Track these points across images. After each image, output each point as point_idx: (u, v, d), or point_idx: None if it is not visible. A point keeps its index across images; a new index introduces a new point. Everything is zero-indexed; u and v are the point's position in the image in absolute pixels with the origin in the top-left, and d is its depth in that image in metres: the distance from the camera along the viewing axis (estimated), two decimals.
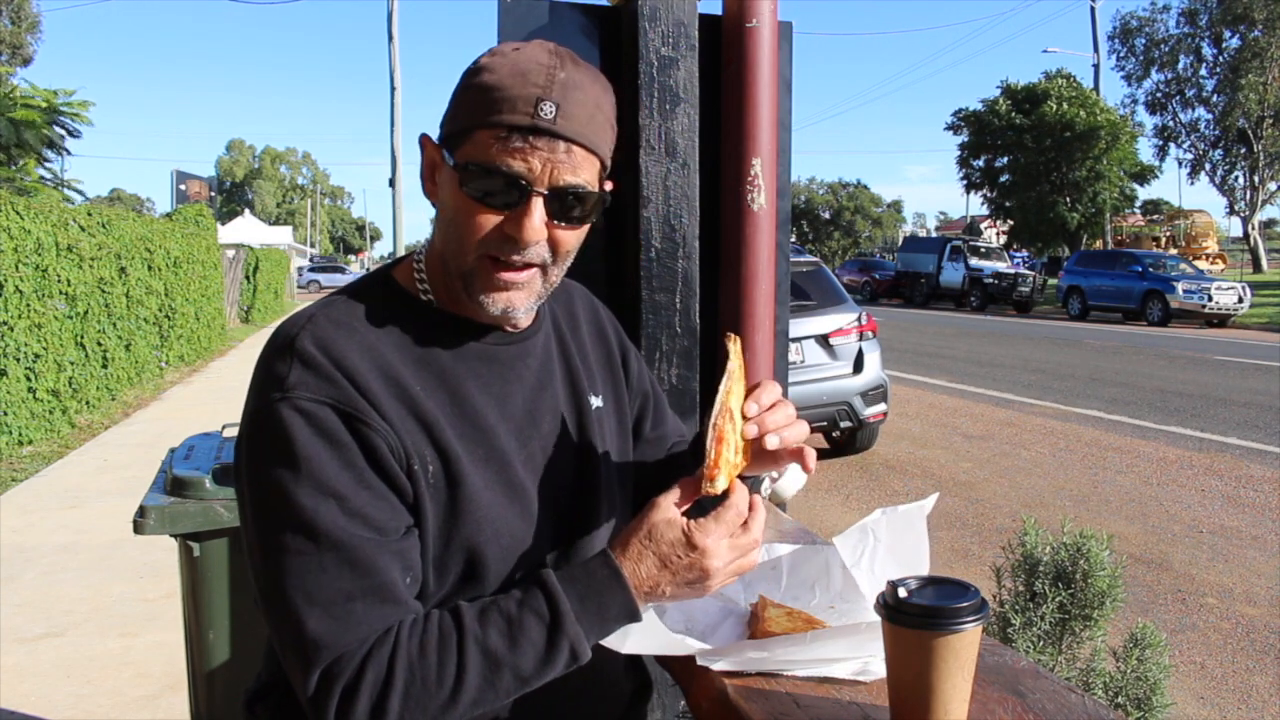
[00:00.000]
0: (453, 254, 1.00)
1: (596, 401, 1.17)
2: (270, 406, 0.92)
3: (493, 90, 0.94)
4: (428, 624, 0.91)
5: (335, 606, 0.88)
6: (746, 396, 1.01)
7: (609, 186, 1.08)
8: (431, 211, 1.07)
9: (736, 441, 0.98)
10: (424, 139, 1.03)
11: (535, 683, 0.93)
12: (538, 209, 0.95)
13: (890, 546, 1.07)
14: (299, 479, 0.89)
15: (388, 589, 0.91)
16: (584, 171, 0.97)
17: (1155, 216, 43.55)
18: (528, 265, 0.99)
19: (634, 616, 0.95)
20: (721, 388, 1.00)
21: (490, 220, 0.96)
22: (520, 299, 1.00)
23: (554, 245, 0.99)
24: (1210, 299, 19.09)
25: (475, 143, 0.95)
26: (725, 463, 0.97)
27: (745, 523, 0.97)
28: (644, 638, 0.99)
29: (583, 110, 0.96)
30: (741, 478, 1.00)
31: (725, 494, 0.96)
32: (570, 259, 1.04)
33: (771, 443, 1.00)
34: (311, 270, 47.48)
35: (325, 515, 0.89)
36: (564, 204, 0.97)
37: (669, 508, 0.96)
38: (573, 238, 1.01)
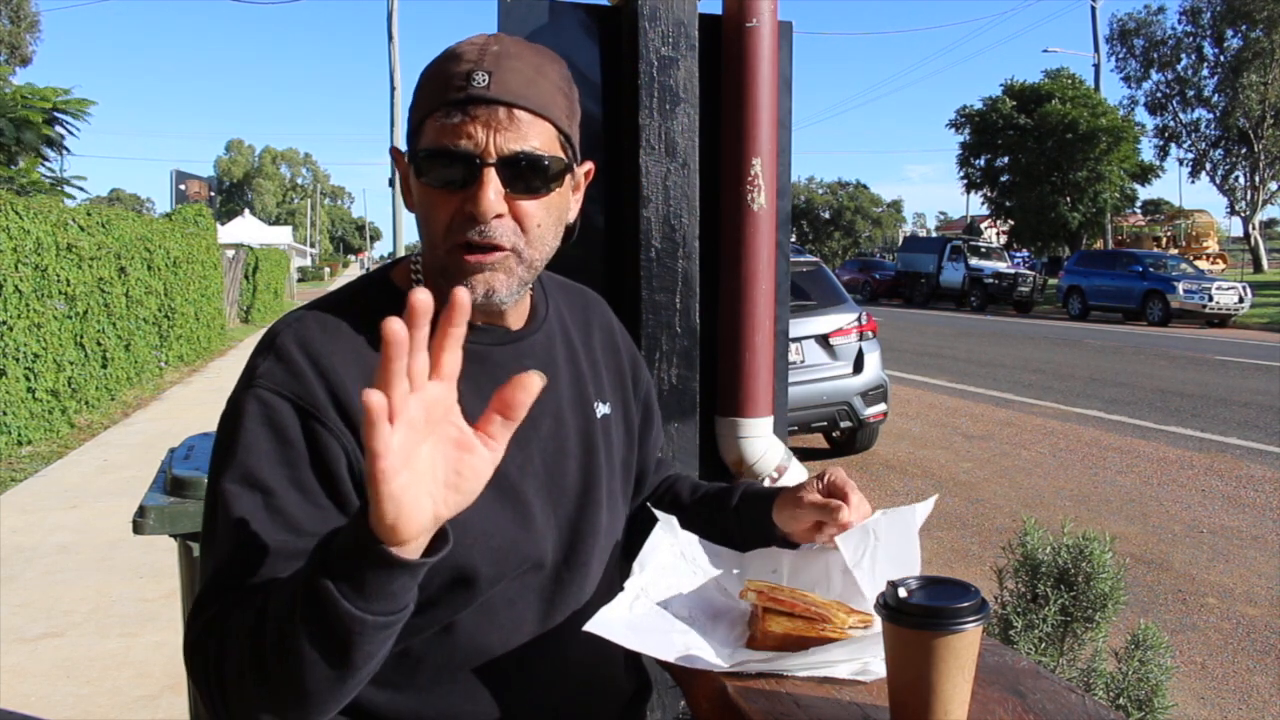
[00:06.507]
0: (428, 250, 1.00)
1: (604, 409, 1.15)
2: (237, 395, 0.94)
3: (431, 80, 0.96)
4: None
5: (226, 590, 0.87)
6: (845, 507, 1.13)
7: (589, 167, 1.07)
8: None
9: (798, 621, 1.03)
10: (394, 151, 1.04)
11: (296, 626, 0.77)
12: (492, 180, 0.93)
13: (887, 546, 1.08)
14: (232, 465, 0.91)
15: (262, 590, 0.85)
16: (534, 137, 0.95)
17: (1156, 216, 43.60)
18: (496, 247, 0.96)
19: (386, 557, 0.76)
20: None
21: (450, 203, 0.95)
22: (500, 281, 0.97)
23: (519, 220, 0.96)
24: (1211, 299, 19.05)
25: (424, 134, 0.96)
26: (784, 627, 1.02)
27: None
28: (645, 637, 0.99)
29: (519, 75, 0.94)
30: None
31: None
32: (547, 238, 1.00)
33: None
34: None
35: (244, 504, 0.89)
36: (518, 172, 0.94)
37: None
38: (537, 210, 0.97)
